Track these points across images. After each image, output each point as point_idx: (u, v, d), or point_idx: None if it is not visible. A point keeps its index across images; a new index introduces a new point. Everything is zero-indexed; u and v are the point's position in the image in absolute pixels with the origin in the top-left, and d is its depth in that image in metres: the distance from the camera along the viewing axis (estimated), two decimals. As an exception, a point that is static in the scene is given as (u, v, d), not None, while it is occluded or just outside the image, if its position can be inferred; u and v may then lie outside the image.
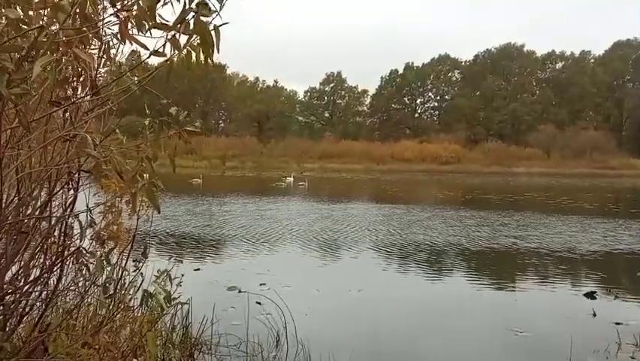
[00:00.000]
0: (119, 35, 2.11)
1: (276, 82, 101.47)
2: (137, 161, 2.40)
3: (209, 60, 2.06)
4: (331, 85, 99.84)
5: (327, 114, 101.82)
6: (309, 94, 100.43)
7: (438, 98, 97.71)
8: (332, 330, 6.86)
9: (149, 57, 2.15)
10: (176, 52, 2.09)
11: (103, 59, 2.32)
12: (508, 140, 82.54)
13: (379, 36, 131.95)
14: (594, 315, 7.71)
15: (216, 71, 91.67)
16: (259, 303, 7.55)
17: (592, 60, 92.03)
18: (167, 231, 15.04)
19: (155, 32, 2.12)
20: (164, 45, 2.12)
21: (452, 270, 11.18)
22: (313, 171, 62.81)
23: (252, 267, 10.88)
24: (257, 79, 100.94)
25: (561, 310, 7.97)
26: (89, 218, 2.78)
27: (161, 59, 2.18)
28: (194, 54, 2.10)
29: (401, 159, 73.56)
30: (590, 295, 8.88)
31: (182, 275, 5.37)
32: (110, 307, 3.20)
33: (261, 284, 9.25)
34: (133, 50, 2.23)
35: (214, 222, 17.03)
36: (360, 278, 10.21)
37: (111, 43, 2.34)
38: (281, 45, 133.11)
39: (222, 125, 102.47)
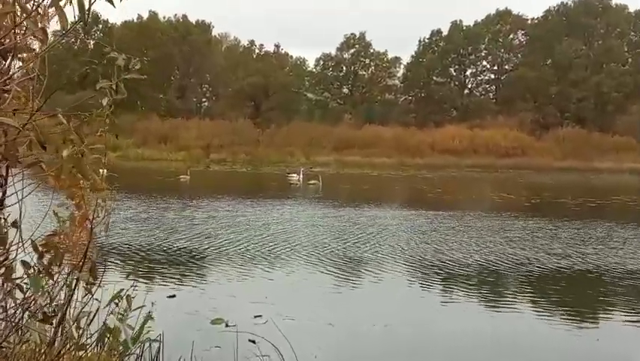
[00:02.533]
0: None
1: (277, 47, 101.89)
2: (63, 131, 2.45)
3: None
4: (352, 51, 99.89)
5: (345, 90, 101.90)
6: (322, 63, 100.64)
7: (495, 68, 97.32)
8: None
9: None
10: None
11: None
12: (590, 125, 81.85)
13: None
14: None
15: (197, 31, 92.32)
16: (253, 341, 7.57)
17: None
18: (136, 243, 15.16)
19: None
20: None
21: (512, 299, 11.13)
22: (327, 166, 62.82)
23: (245, 293, 10.94)
24: (252, 43, 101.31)
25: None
26: (20, 220, 2.80)
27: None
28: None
29: (445, 151, 73.38)
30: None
31: (153, 303, 5.40)
32: (55, 344, 3.23)
33: (256, 316, 9.31)
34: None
35: (197, 232, 17.12)
36: (387, 309, 10.23)
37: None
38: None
39: (206, 103, 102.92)
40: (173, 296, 10.49)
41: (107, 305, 3.81)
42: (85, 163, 2.61)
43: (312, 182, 36.91)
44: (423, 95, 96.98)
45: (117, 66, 2.81)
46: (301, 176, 39.72)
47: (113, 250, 14.13)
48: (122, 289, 3.79)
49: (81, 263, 3.54)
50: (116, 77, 2.82)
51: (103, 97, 2.90)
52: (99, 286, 3.75)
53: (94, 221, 3.46)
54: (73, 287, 3.49)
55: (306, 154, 70.07)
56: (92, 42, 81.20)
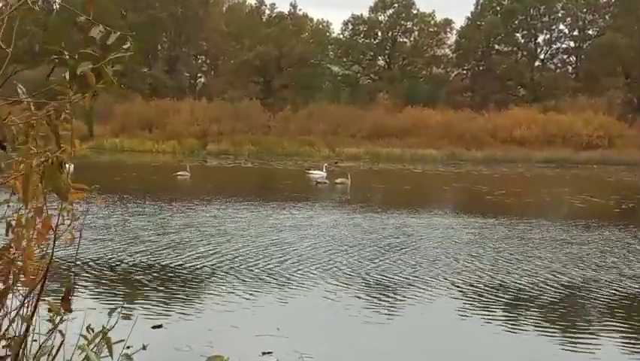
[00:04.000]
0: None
1: (294, 7, 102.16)
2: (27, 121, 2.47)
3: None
4: (389, 12, 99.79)
5: (381, 62, 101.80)
6: (350, 27, 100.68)
7: (575, 33, 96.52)
8: None
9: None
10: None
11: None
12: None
13: None
14: None
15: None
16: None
17: None
18: (112, 260, 15.27)
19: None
20: None
21: (607, 333, 11.04)
22: (357, 160, 62.78)
23: (251, 322, 10.96)
24: (261, 2, 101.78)
25: None
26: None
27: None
28: None
29: (510, 141, 72.98)
30: None
31: (132, 336, 5.40)
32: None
33: (264, 353, 9.33)
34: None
35: (191, 245, 17.20)
36: (433, 343, 10.21)
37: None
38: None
39: (202, 80, 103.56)
40: (160, 326, 10.53)
41: (76, 340, 3.81)
42: (60, 175, 2.62)
43: (340, 180, 36.91)
44: (481, 68, 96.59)
45: (95, 40, 2.82)
46: (324, 173, 39.78)
47: (84, 268, 14.23)
48: (95, 321, 3.79)
49: (41, 284, 3.54)
50: (97, 53, 2.82)
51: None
52: (64, 314, 3.76)
53: (58, 230, 3.47)
54: (31, 316, 3.49)
55: (329, 144, 70.19)
56: (57, 1, 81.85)
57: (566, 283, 14.31)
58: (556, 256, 17.33)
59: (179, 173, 38.97)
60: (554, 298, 13.21)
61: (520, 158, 66.97)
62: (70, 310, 3.51)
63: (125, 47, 2.86)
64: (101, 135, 65.38)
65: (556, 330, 11.20)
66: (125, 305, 11.65)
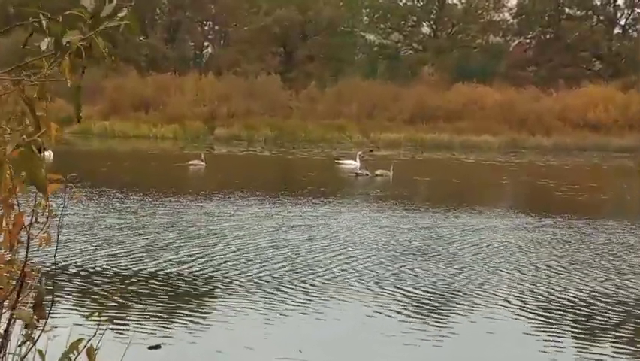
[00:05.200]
0: None
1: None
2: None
3: None
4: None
5: (426, 29, 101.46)
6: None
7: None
8: None
9: None
10: None
11: None
12: None
13: None
14: None
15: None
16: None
17: None
18: (103, 266, 15.32)
19: None
20: None
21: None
22: (397, 148, 62.51)
23: (268, 342, 10.98)
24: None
25: None
26: None
27: None
28: None
29: (583, 125, 72.40)
30: None
31: (127, 357, 5.40)
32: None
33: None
34: None
35: (195, 248, 17.25)
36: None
37: None
38: None
39: (209, 51, 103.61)
40: (158, 347, 10.56)
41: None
42: (40, 163, 2.61)
43: (380, 172, 36.96)
44: (548, 36, 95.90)
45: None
46: (358, 163, 39.85)
47: (66, 277, 14.28)
48: (80, 337, 3.78)
49: (16, 295, 3.53)
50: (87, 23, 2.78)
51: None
52: (44, 330, 3.75)
53: (31, 228, 3.45)
54: (4, 332, 3.49)
55: (362, 129, 70.02)
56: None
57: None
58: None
59: (191, 162, 39.64)
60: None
61: (596, 146, 66.55)
62: (45, 317, 3.50)
63: (120, 14, 2.83)
64: (88, 117, 65.51)
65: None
66: (117, 321, 11.67)
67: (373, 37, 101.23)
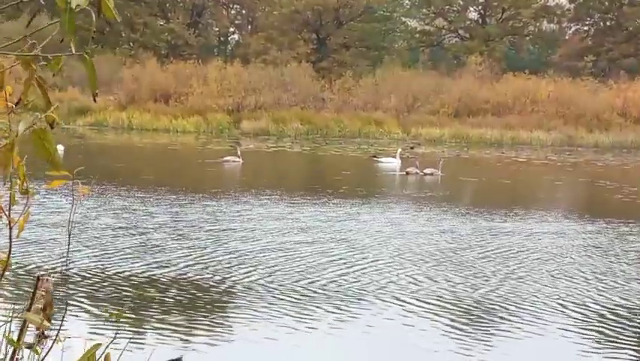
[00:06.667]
0: None
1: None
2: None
3: None
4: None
5: (473, 14, 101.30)
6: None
7: None
8: None
9: None
10: None
11: None
12: None
13: None
14: None
15: None
16: None
17: None
18: (118, 271, 15.36)
19: None
20: None
21: None
22: (439, 145, 62.40)
23: (300, 358, 10.91)
24: None
25: None
26: None
27: None
28: None
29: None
30: None
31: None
32: None
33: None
34: None
35: (223, 253, 17.27)
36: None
37: None
38: None
39: (235, 37, 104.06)
40: (179, 360, 10.52)
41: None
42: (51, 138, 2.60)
43: (430, 171, 36.97)
44: (608, 23, 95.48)
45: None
46: (398, 160, 39.93)
47: (78, 282, 14.31)
48: (96, 346, 3.73)
49: (30, 301, 3.49)
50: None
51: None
52: (57, 340, 3.70)
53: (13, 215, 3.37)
54: (18, 338, 3.45)
55: (402, 124, 70.02)
56: None
57: None
58: None
59: (227, 158, 40.35)
60: None
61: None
62: (49, 319, 3.45)
63: None
64: (103, 109, 65.99)
65: None
66: (134, 331, 11.67)
67: (415, 22, 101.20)
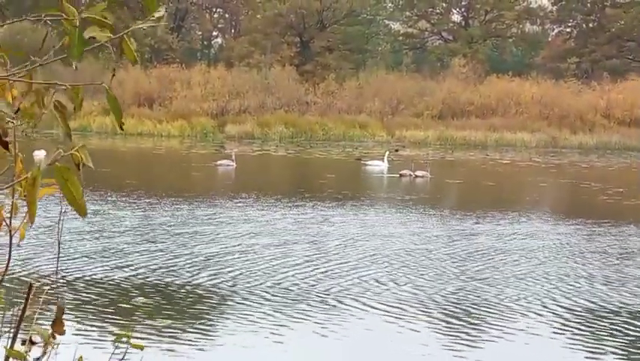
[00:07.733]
0: None
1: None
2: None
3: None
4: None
5: (456, 17, 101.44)
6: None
7: None
8: None
9: None
10: None
11: None
12: None
13: None
14: None
15: None
16: None
17: None
18: (106, 278, 15.33)
19: None
20: None
21: None
22: (424, 147, 62.44)
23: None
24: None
25: None
26: None
27: None
28: None
29: (630, 122, 72.28)
30: None
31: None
32: None
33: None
34: None
35: (211, 256, 17.26)
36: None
37: None
38: None
39: (218, 41, 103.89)
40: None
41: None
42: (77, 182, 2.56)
43: (421, 174, 37.12)
44: (591, 25, 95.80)
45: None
46: (385, 163, 40.10)
47: (68, 288, 14.28)
48: (88, 354, 3.74)
49: (22, 309, 3.50)
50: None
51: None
52: (52, 348, 3.70)
53: (13, 222, 3.38)
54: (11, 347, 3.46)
55: (387, 126, 70.14)
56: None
57: None
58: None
59: (221, 162, 40.53)
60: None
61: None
62: (63, 333, 3.46)
63: (157, 14, 2.78)
64: (87, 114, 65.75)
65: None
66: (125, 336, 11.64)
67: (398, 25, 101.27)
